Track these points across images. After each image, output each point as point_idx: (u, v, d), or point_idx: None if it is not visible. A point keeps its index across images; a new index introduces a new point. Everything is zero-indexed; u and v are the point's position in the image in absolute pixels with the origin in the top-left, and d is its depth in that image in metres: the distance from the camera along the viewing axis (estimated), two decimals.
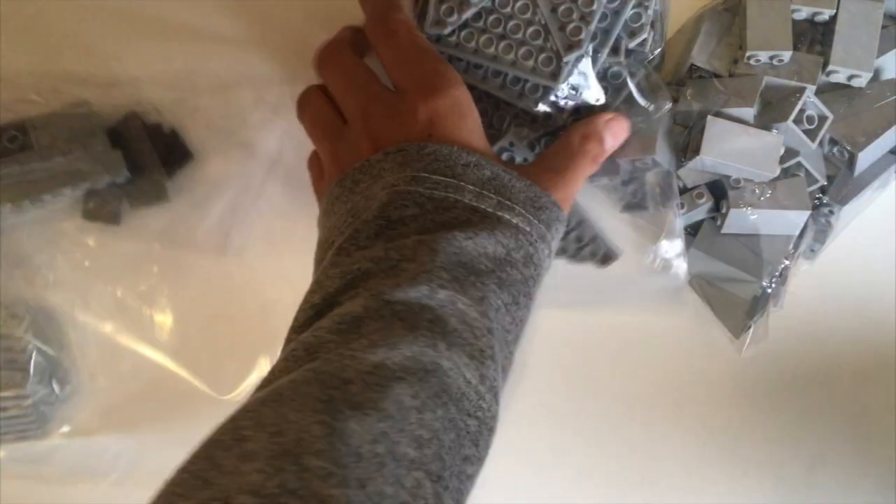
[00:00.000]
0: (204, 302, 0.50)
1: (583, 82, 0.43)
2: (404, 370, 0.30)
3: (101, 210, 0.49)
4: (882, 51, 0.46)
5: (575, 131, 0.42)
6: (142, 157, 0.48)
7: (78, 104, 0.48)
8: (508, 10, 0.42)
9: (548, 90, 0.42)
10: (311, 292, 0.35)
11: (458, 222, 0.35)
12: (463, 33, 0.43)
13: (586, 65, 0.43)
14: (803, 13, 0.46)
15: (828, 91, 0.47)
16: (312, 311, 0.34)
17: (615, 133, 0.42)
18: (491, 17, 0.42)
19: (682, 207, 0.47)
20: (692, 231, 0.48)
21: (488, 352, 0.33)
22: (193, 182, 0.50)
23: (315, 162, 0.44)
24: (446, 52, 0.43)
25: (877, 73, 0.47)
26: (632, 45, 0.44)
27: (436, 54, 0.40)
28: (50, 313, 0.50)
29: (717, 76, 0.46)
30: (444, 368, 0.31)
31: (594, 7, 0.41)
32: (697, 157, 0.44)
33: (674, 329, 0.50)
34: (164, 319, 0.50)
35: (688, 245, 0.47)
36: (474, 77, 0.43)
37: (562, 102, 0.44)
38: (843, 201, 0.48)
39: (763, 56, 0.45)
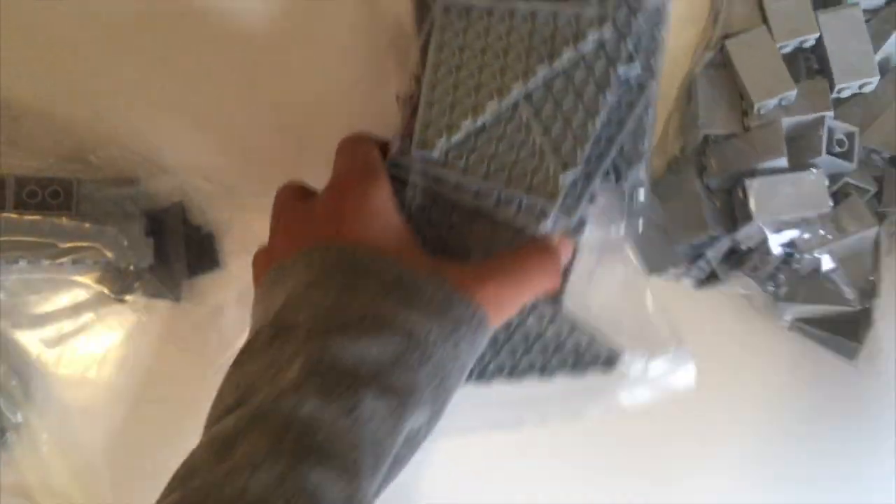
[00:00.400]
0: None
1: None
2: (262, 500, 0.30)
3: (111, 281, 0.48)
4: (878, 46, 0.46)
5: (531, 244, 0.40)
6: (171, 251, 0.48)
7: (129, 180, 0.48)
8: (500, 130, 0.41)
9: (545, 210, 0.41)
10: (213, 406, 0.35)
11: (348, 325, 0.34)
12: (451, 154, 0.42)
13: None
14: (790, 46, 0.45)
15: (842, 105, 0.47)
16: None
17: (565, 255, 0.41)
18: (481, 138, 0.41)
19: (756, 269, 0.47)
20: (774, 285, 0.48)
21: (354, 468, 0.32)
22: (210, 287, 0.50)
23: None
24: (433, 172, 0.42)
25: (884, 66, 0.47)
26: (629, 172, 0.42)
27: (360, 151, 0.40)
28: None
29: (733, 136, 0.46)
30: (307, 490, 0.30)
31: (588, 130, 0.40)
32: (752, 223, 0.44)
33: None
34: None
35: (775, 298, 0.47)
36: (466, 194, 0.42)
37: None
38: None
39: (771, 103, 0.45)
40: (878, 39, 0.45)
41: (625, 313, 0.44)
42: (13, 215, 0.45)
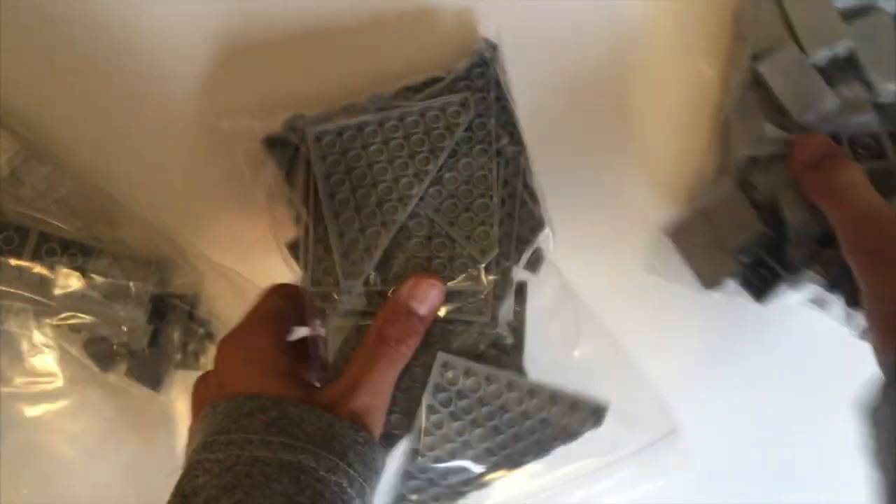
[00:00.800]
0: None
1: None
2: None
3: (98, 352, 0.48)
4: None
5: (372, 327, 0.41)
6: (168, 341, 0.48)
7: (149, 263, 0.47)
8: (407, 233, 0.42)
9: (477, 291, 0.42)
10: None
11: (238, 481, 0.34)
12: (372, 276, 0.42)
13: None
14: (822, 58, 0.45)
15: (887, 106, 0.45)
16: None
17: (422, 296, 0.41)
18: (392, 248, 0.42)
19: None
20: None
21: None
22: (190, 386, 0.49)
23: None
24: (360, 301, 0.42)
25: None
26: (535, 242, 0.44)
27: (259, 302, 0.42)
28: None
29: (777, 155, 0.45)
30: None
31: (491, 210, 0.41)
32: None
33: None
34: None
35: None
36: None
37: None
38: None
39: (811, 117, 0.44)
40: None
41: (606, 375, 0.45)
42: (25, 263, 0.45)
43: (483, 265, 0.41)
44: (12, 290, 0.45)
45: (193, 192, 0.49)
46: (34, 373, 0.48)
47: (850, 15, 0.46)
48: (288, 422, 0.37)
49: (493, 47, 0.45)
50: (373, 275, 0.41)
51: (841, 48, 0.45)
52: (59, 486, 0.49)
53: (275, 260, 0.45)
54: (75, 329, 0.46)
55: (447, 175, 0.42)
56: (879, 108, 0.45)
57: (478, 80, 0.44)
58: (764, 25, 0.46)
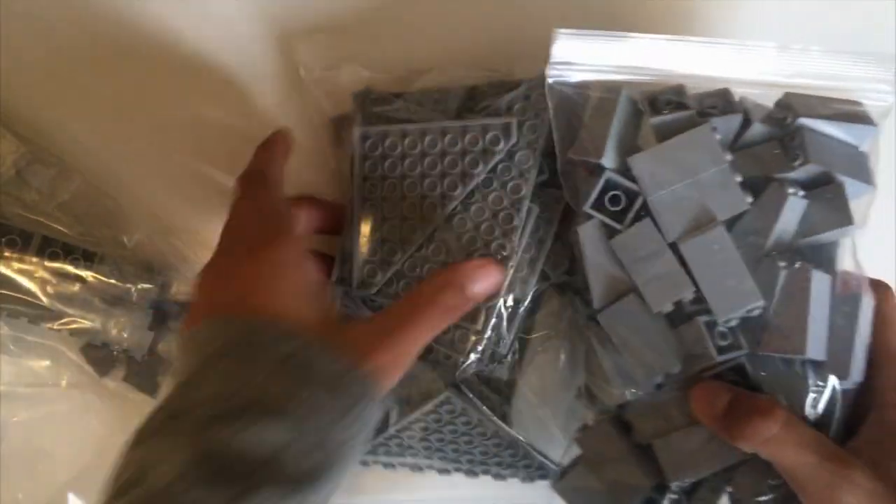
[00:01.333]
0: None
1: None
2: None
3: (97, 357, 0.49)
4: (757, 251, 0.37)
5: (430, 279, 0.39)
6: (165, 349, 0.49)
7: (151, 269, 0.48)
8: (422, 253, 0.42)
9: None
10: (108, 481, 0.33)
11: (239, 412, 0.33)
12: (384, 288, 0.43)
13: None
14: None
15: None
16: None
17: (482, 279, 0.39)
18: (407, 265, 0.43)
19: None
20: None
21: None
22: None
23: None
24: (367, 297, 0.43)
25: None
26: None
27: (270, 216, 0.40)
28: None
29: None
30: None
31: (507, 252, 0.41)
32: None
33: None
34: None
35: None
36: None
37: None
38: None
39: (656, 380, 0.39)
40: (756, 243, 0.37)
41: None
42: (27, 267, 0.46)
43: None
44: (13, 294, 0.46)
45: (196, 197, 0.50)
46: (33, 377, 0.49)
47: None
48: (300, 361, 0.35)
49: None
50: (383, 289, 0.42)
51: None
52: (57, 490, 0.50)
53: None
54: (75, 334, 0.47)
55: (474, 207, 0.41)
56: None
57: (538, 101, 0.41)
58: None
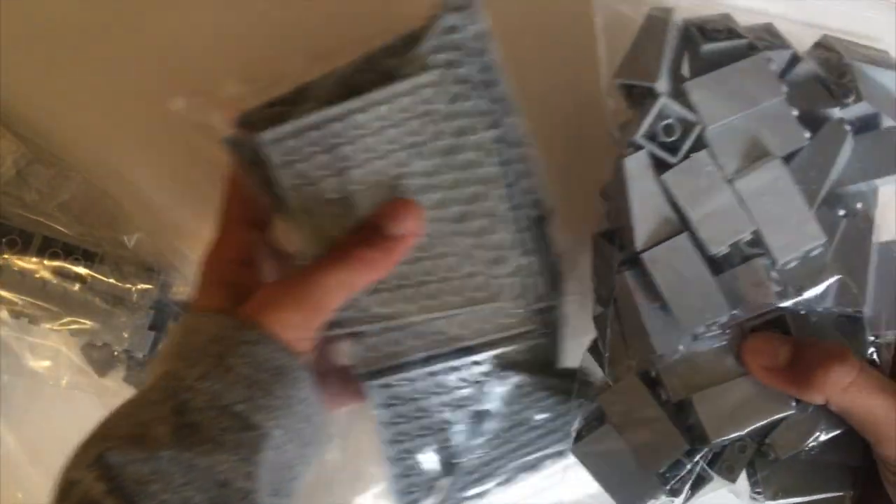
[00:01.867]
0: None
1: None
2: None
3: (97, 358, 0.49)
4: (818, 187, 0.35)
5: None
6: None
7: (151, 270, 0.48)
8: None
9: None
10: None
11: (141, 400, 0.33)
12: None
13: None
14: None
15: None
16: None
17: (398, 217, 0.36)
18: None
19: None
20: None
21: None
22: None
23: None
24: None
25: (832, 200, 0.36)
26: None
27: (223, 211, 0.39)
28: None
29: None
30: None
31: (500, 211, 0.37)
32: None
33: None
34: None
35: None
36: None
37: None
38: None
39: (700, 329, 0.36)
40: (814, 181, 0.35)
41: None
42: (28, 267, 0.46)
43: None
44: (14, 294, 0.46)
45: (196, 197, 0.49)
46: (33, 377, 0.49)
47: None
48: (187, 331, 0.35)
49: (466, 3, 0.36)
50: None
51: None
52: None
53: None
54: (75, 334, 0.47)
55: (450, 194, 0.37)
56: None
57: (449, 48, 0.36)
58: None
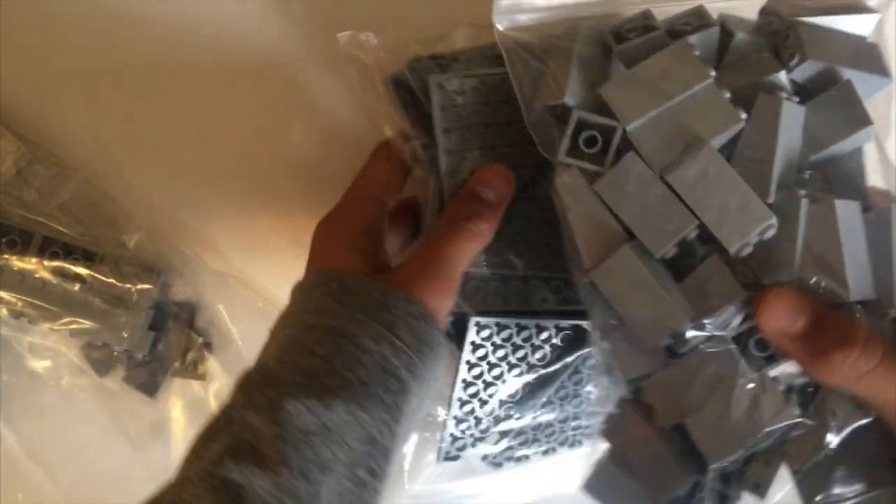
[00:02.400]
0: None
1: None
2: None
3: (97, 358, 0.49)
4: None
5: (450, 204, 0.39)
6: (167, 349, 0.49)
7: (151, 270, 0.48)
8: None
9: None
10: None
11: (288, 346, 0.35)
12: None
13: None
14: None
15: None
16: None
17: (490, 182, 0.39)
18: None
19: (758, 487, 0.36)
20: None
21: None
22: (185, 392, 0.50)
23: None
24: None
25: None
26: None
27: (360, 181, 0.42)
28: None
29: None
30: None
31: None
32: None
33: None
34: None
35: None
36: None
37: None
38: None
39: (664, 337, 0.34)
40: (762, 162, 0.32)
41: None
42: (28, 267, 0.45)
43: None
44: (14, 294, 0.46)
45: (197, 198, 0.49)
46: (33, 377, 0.49)
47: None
48: (344, 292, 0.37)
49: None
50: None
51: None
52: (54, 489, 0.50)
53: (276, 259, 0.47)
54: (75, 334, 0.47)
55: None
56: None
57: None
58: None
